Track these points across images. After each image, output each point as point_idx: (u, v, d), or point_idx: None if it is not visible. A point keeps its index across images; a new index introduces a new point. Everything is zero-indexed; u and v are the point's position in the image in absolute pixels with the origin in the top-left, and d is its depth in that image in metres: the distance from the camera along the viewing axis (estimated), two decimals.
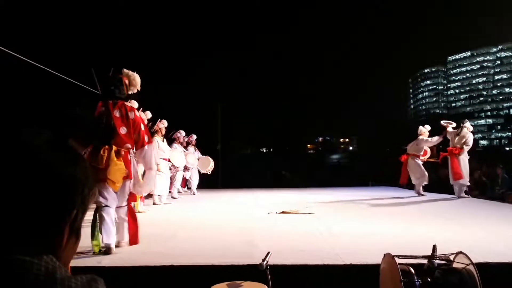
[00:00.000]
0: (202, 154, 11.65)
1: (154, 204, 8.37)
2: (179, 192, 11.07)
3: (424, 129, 10.07)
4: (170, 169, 8.98)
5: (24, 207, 0.61)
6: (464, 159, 9.40)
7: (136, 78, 4.57)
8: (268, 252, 2.36)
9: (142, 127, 4.41)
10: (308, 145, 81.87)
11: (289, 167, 31.03)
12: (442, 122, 10.10)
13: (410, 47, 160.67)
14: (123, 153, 4.18)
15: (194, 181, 11.53)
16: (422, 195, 9.82)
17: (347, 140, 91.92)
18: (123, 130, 4.20)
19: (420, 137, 10.03)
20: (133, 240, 4.33)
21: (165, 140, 8.86)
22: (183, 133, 10.57)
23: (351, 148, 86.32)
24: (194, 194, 11.38)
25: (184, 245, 4.31)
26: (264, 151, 68.82)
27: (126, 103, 4.42)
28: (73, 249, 0.70)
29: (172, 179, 9.78)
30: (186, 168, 10.72)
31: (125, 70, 4.56)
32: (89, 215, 5.56)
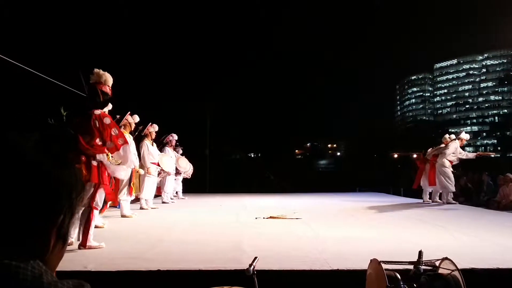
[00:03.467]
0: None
1: (141, 208, 8.31)
2: (174, 196, 11.05)
3: (449, 139, 9.90)
4: (159, 173, 8.93)
5: (10, 210, 0.61)
6: (442, 169, 9.44)
7: (108, 77, 4.70)
8: (255, 257, 2.35)
9: None
10: (296, 151, 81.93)
11: (277, 171, 31.06)
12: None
13: (398, 55, 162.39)
14: None
15: (179, 186, 11.49)
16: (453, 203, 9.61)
17: (334, 145, 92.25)
18: None
19: (442, 145, 9.86)
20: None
21: (154, 144, 8.81)
22: (175, 136, 10.44)
23: (338, 153, 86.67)
24: (183, 199, 11.37)
25: (171, 250, 4.28)
26: (252, 156, 68.69)
27: None
28: (60, 254, 0.69)
29: (161, 183, 9.72)
30: (178, 173, 10.65)
31: (96, 70, 4.62)
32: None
